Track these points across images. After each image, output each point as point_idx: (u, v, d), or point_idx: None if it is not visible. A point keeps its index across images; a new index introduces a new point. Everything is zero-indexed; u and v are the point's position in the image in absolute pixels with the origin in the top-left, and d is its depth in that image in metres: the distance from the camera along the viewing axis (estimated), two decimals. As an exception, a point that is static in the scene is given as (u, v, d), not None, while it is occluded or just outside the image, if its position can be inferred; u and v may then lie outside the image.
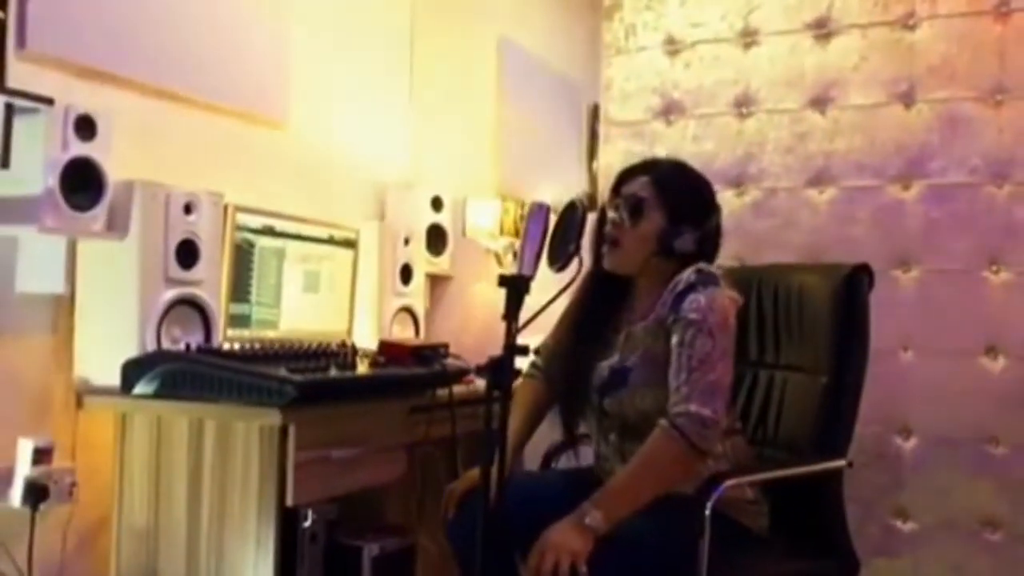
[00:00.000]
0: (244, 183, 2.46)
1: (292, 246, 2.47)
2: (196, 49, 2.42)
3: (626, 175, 1.96)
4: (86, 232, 1.95)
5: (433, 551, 2.42)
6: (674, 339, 1.77)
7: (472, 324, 3.04)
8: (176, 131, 2.37)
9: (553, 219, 1.73)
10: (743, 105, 2.76)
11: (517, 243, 3.17)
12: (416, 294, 2.91)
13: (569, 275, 1.75)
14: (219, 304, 2.21)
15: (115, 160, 1.97)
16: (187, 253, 2.10)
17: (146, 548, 2.00)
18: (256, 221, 2.36)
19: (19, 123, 1.83)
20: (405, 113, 3.29)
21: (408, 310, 2.87)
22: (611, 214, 1.93)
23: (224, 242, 2.24)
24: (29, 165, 1.85)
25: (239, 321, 2.32)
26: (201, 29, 2.44)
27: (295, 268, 2.48)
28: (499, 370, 1.63)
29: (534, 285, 1.66)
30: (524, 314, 1.64)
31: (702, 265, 1.83)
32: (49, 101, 1.86)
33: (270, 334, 2.40)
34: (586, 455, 2.07)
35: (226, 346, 2.11)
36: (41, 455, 1.96)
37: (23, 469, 1.94)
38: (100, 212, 1.95)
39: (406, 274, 2.85)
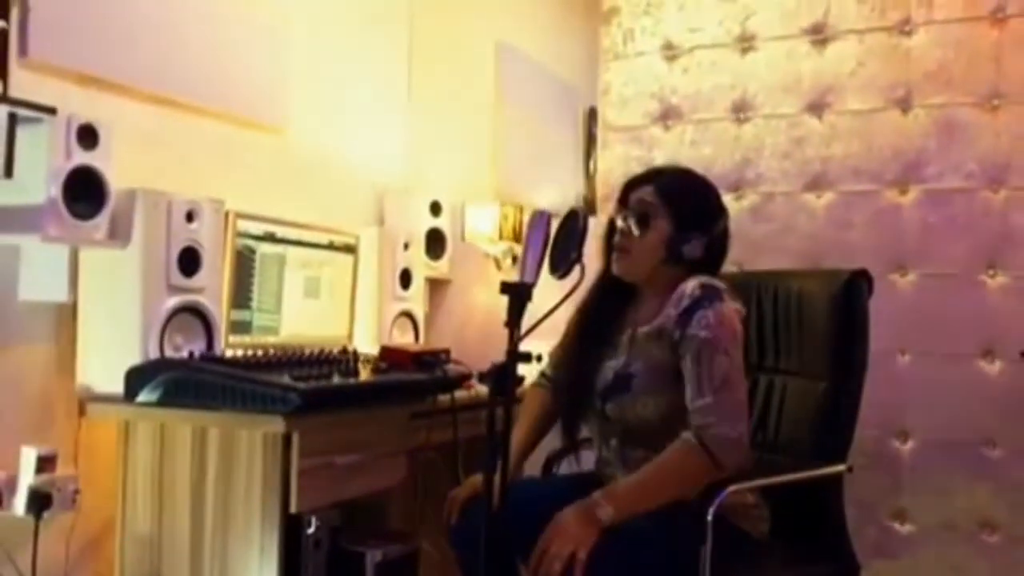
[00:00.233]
0: (244, 190, 2.46)
1: (293, 252, 2.48)
2: (196, 56, 2.43)
3: (632, 184, 1.97)
4: (88, 241, 1.95)
5: (435, 556, 2.43)
6: (687, 357, 1.78)
7: (471, 328, 3.05)
8: (175, 138, 2.37)
9: (554, 225, 1.75)
10: (741, 110, 2.78)
11: (516, 247, 3.19)
12: (416, 298, 2.92)
13: (571, 283, 1.76)
14: (221, 311, 2.21)
15: (115, 168, 1.97)
16: (189, 260, 2.10)
17: (150, 555, 2.00)
18: (257, 228, 2.36)
19: (22, 132, 1.83)
20: (403, 118, 3.30)
21: (408, 314, 2.88)
22: (619, 223, 1.94)
23: (225, 249, 2.25)
24: (32, 174, 1.85)
25: (240, 328, 2.33)
26: (201, 37, 2.45)
27: (296, 274, 2.49)
28: (502, 377, 1.64)
29: (535, 291, 1.67)
30: (525, 321, 1.66)
31: (704, 279, 1.84)
32: (52, 111, 1.86)
33: (271, 340, 2.40)
34: (587, 460, 2.09)
35: (229, 353, 2.12)
36: (44, 463, 1.96)
37: (27, 477, 1.94)
38: (102, 221, 1.95)
39: (405, 279, 2.85)
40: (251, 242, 2.34)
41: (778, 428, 2.08)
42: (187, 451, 1.98)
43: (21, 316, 2.02)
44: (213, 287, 2.18)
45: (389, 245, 2.81)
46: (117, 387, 1.98)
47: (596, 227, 2.11)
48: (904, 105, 2.57)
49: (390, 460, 2.14)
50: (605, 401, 1.90)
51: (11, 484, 1.94)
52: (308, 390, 1.82)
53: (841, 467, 1.95)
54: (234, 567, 1.92)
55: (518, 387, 1.68)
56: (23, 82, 1.97)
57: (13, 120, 1.82)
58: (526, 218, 3.29)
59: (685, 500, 1.78)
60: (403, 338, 2.84)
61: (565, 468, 2.23)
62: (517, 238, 3.25)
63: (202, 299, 2.14)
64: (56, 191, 1.85)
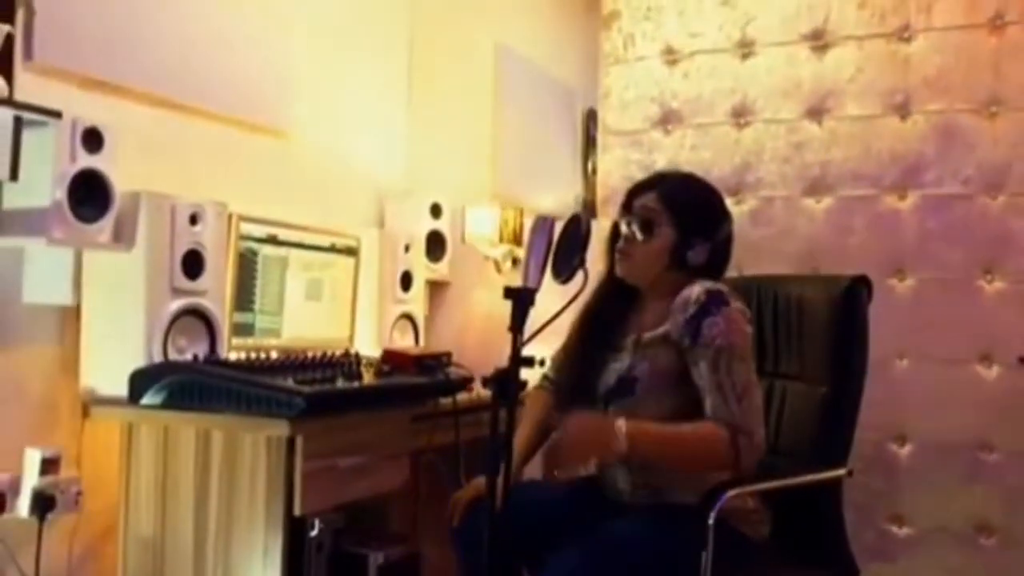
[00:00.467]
0: (246, 192, 2.47)
1: (295, 255, 2.49)
2: (199, 60, 2.44)
3: (636, 190, 1.98)
4: (93, 243, 1.96)
5: (437, 559, 2.44)
6: (702, 365, 1.79)
7: (471, 330, 3.06)
8: (178, 141, 2.38)
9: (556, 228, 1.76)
10: (741, 115, 2.78)
11: (516, 250, 3.20)
12: (416, 301, 2.93)
13: (574, 288, 1.77)
14: (223, 313, 2.22)
15: (119, 171, 1.98)
16: (192, 263, 2.11)
17: (153, 558, 2.01)
18: (260, 230, 2.37)
19: (27, 136, 1.84)
20: (404, 121, 3.31)
21: (408, 317, 2.89)
22: (623, 230, 1.95)
23: (228, 252, 2.26)
24: (37, 177, 1.86)
25: (243, 330, 2.34)
26: (204, 40, 2.45)
27: (298, 276, 2.50)
28: (505, 382, 1.66)
29: (537, 295, 1.69)
30: (527, 325, 1.67)
31: (709, 284, 1.85)
32: (57, 114, 1.86)
33: (273, 343, 2.41)
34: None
35: (232, 356, 2.13)
36: (48, 465, 1.97)
37: (30, 479, 1.96)
38: (106, 224, 1.96)
39: (406, 281, 2.87)
40: (254, 245, 2.35)
41: (778, 432, 2.08)
42: (190, 454, 1.99)
43: (25, 318, 2.03)
44: (216, 290, 2.19)
45: (390, 247, 2.82)
46: (121, 390, 2.00)
47: (597, 231, 2.13)
48: (903, 111, 2.58)
49: (392, 463, 2.16)
50: (608, 404, 1.91)
51: (15, 486, 1.95)
52: (313, 394, 1.83)
53: (841, 471, 1.96)
54: (237, 569, 1.93)
55: (521, 391, 1.69)
56: (27, 85, 1.98)
57: (19, 123, 1.83)
58: (526, 221, 3.31)
59: (681, 502, 1.80)
60: (403, 340, 2.85)
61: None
62: (517, 241, 3.26)
63: (205, 302, 2.15)
64: (61, 194, 1.86)
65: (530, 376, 1.87)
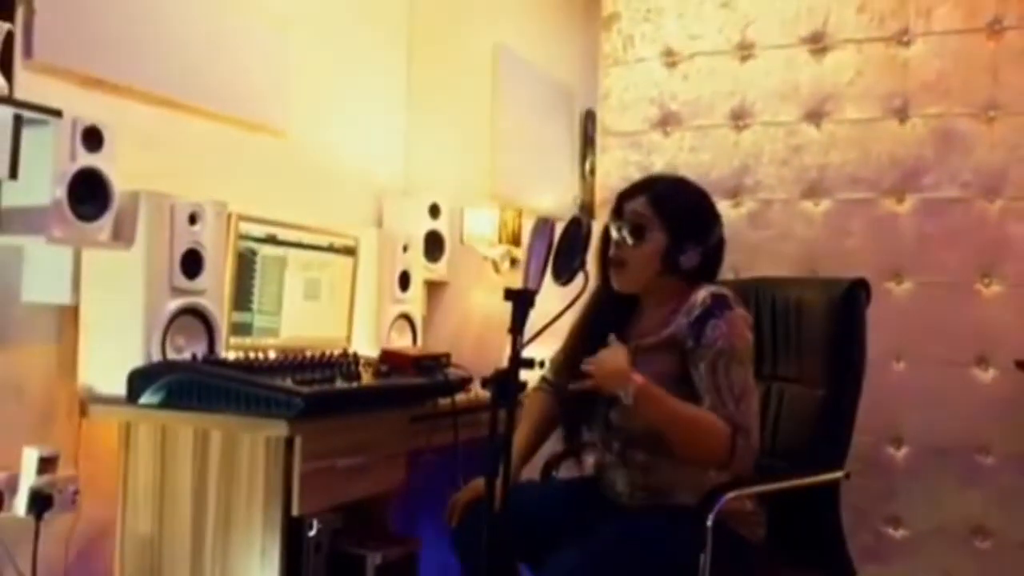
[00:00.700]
0: (245, 192, 2.47)
1: (293, 254, 2.49)
2: (199, 59, 2.43)
3: (626, 195, 1.98)
4: (92, 242, 1.96)
5: (435, 560, 2.44)
6: (701, 366, 1.80)
7: (469, 331, 3.07)
8: (177, 140, 2.38)
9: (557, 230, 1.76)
10: (739, 117, 2.79)
11: (514, 250, 3.20)
12: (414, 301, 2.93)
13: (575, 290, 1.78)
14: (222, 313, 2.22)
15: (118, 170, 1.98)
16: (192, 263, 2.11)
17: (150, 557, 2.01)
18: (259, 230, 2.37)
19: (27, 134, 1.84)
20: (403, 120, 3.31)
21: (406, 317, 2.89)
22: (614, 235, 1.96)
23: (227, 251, 2.26)
24: (37, 176, 1.86)
25: (241, 329, 2.33)
26: (204, 40, 2.45)
27: (296, 276, 2.50)
28: (505, 383, 1.66)
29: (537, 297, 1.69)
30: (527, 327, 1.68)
31: (713, 288, 1.86)
32: (57, 113, 1.86)
33: (271, 342, 2.41)
34: (589, 462, 2.10)
35: (231, 356, 2.13)
36: (46, 464, 1.97)
37: (28, 478, 1.95)
38: (106, 222, 1.96)
39: (404, 281, 2.87)
40: (253, 244, 2.35)
41: (776, 434, 2.09)
42: (189, 453, 1.99)
43: (24, 317, 2.03)
44: (215, 289, 2.19)
45: (388, 247, 2.82)
46: (119, 389, 1.99)
47: (597, 232, 2.13)
48: (901, 115, 2.58)
49: (390, 463, 2.16)
50: (609, 409, 1.91)
51: (12, 484, 1.95)
52: (312, 394, 1.83)
53: (838, 474, 1.97)
54: (235, 569, 1.93)
55: (520, 393, 1.70)
56: (27, 83, 1.98)
57: (19, 122, 1.83)
58: (525, 221, 3.31)
59: (680, 504, 1.81)
60: (401, 340, 2.85)
61: (564, 472, 2.24)
62: (515, 241, 3.26)
63: (204, 301, 2.15)
64: (61, 193, 1.86)
65: (529, 377, 1.87)
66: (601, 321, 1.98)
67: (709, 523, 1.71)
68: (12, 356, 2.01)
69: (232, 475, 1.94)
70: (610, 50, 2.99)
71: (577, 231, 1.76)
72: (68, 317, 2.08)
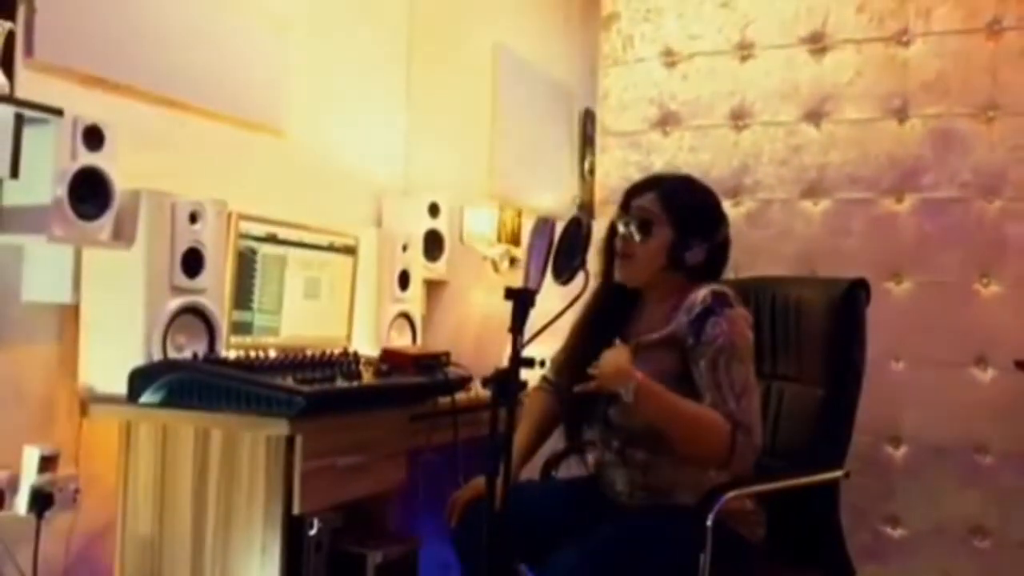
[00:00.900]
0: (245, 191, 2.47)
1: (294, 253, 2.49)
2: (199, 58, 2.44)
3: (633, 191, 1.99)
4: (93, 241, 1.96)
5: (435, 558, 2.45)
6: (702, 363, 1.81)
7: (468, 330, 3.07)
8: (179, 139, 2.38)
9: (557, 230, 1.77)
10: (739, 117, 2.79)
11: (513, 250, 3.21)
12: (414, 300, 2.93)
13: (575, 289, 1.78)
14: (223, 312, 2.22)
15: (119, 168, 1.98)
16: (192, 262, 2.11)
17: (151, 555, 2.01)
18: (259, 229, 2.37)
19: (28, 133, 1.84)
20: (402, 120, 3.31)
21: (406, 316, 2.89)
22: (620, 230, 1.96)
23: (228, 250, 2.26)
24: (38, 175, 1.86)
25: (241, 328, 2.34)
26: (205, 39, 2.45)
27: (296, 275, 2.50)
28: (505, 382, 1.66)
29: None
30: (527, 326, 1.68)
31: (714, 286, 1.87)
32: (58, 112, 1.86)
33: (271, 341, 2.41)
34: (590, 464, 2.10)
35: (232, 355, 2.13)
36: (47, 463, 1.97)
37: (29, 477, 1.95)
38: (107, 221, 1.95)
39: (404, 280, 2.87)
40: (253, 243, 2.35)
41: (775, 434, 2.10)
42: (189, 452, 1.99)
43: (24, 316, 2.03)
44: (215, 288, 2.19)
45: (388, 247, 2.82)
46: (119, 388, 1.99)
47: (597, 231, 2.13)
48: (901, 115, 2.59)
49: (391, 462, 2.16)
50: (609, 406, 1.92)
51: (13, 483, 1.95)
52: (313, 393, 1.83)
53: (838, 473, 1.97)
54: (235, 568, 1.93)
55: (521, 392, 1.70)
56: (28, 82, 1.97)
57: (19, 121, 1.83)
58: (524, 221, 3.32)
59: (680, 503, 1.81)
60: (401, 339, 2.85)
61: (564, 471, 2.25)
62: (515, 241, 3.26)
63: (204, 300, 2.15)
64: (62, 192, 1.85)
65: (530, 376, 1.87)
66: (602, 320, 1.98)
67: (709, 523, 1.71)
68: (13, 355, 2.01)
69: (233, 474, 1.94)
70: (609, 50, 2.99)
71: (577, 230, 1.77)
72: (69, 316, 2.08)
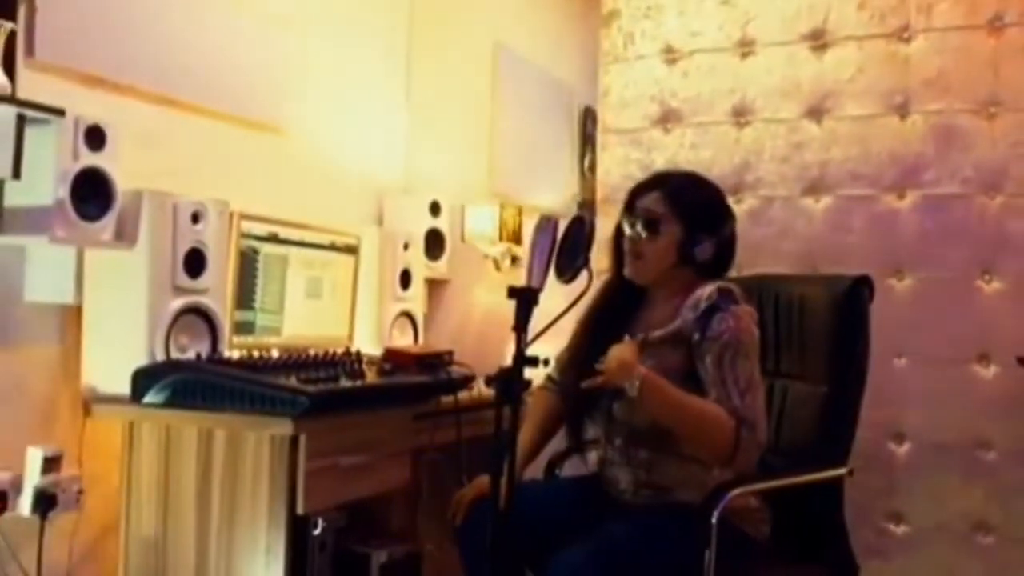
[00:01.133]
0: (247, 190, 2.46)
1: (295, 253, 2.48)
2: (200, 58, 2.43)
3: (639, 191, 1.99)
4: (95, 242, 1.95)
5: (439, 558, 2.44)
6: (707, 359, 1.81)
7: (470, 329, 3.07)
8: (180, 139, 2.38)
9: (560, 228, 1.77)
10: (740, 114, 2.79)
11: (515, 248, 3.20)
12: (415, 299, 2.93)
13: (579, 287, 1.78)
14: (225, 312, 2.22)
15: (121, 169, 1.97)
16: (195, 262, 2.11)
17: (155, 556, 2.01)
18: (260, 229, 2.37)
19: (30, 133, 1.83)
20: (403, 119, 3.31)
21: (407, 315, 2.89)
22: (628, 231, 1.96)
23: (230, 250, 2.26)
24: (39, 175, 1.86)
25: (244, 328, 2.33)
26: (206, 38, 2.45)
27: (298, 274, 2.50)
28: (509, 381, 1.66)
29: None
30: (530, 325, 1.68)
31: (721, 283, 1.87)
32: (60, 112, 1.86)
33: (273, 341, 2.41)
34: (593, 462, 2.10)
35: (235, 355, 2.13)
36: (50, 464, 1.97)
37: (32, 478, 1.95)
38: (109, 222, 1.95)
39: (405, 279, 2.87)
40: (255, 243, 2.35)
41: (779, 431, 2.10)
42: (193, 452, 1.99)
43: (27, 317, 2.02)
44: (218, 288, 2.19)
45: (389, 245, 2.82)
46: (122, 388, 1.99)
47: (598, 229, 2.13)
48: (902, 111, 2.58)
49: (394, 461, 2.16)
50: (612, 402, 1.92)
51: (17, 484, 1.95)
52: (317, 393, 1.83)
53: (842, 471, 1.97)
54: (239, 568, 1.93)
55: (525, 391, 1.70)
56: (30, 82, 1.97)
57: (21, 121, 1.82)
58: (525, 219, 3.32)
59: (684, 502, 1.81)
60: (402, 338, 2.85)
61: (568, 470, 2.25)
62: (516, 239, 3.26)
63: (207, 300, 2.15)
64: (64, 192, 1.85)
65: (534, 375, 1.87)
66: (609, 317, 1.98)
67: (713, 520, 1.71)
68: (15, 356, 2.01)
69: (236, 474, 1.94)
70: (610, 47, 2.99)
71: (580, 229, 1.77)
72: (71, 317, 2.08)
